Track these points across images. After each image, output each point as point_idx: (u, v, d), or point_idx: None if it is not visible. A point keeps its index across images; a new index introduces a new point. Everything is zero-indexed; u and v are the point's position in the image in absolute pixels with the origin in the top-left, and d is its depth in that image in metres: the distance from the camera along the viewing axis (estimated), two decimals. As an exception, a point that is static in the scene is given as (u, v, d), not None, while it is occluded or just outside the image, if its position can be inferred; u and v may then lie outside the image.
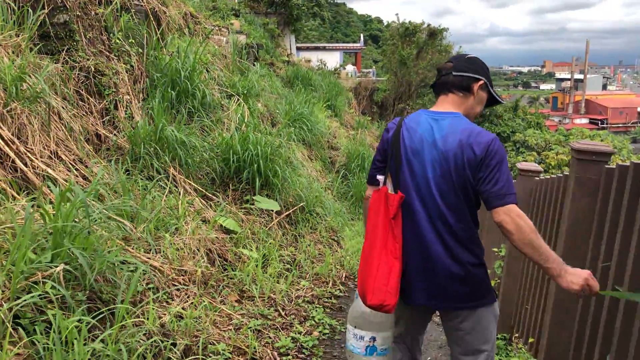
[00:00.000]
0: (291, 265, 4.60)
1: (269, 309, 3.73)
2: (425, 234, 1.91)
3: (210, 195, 4.56)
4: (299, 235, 5.24)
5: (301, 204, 5.36)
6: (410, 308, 2.08)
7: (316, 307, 4.10)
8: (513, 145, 19.84)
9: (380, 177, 2.03)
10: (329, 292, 4.53)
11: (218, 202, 4.53)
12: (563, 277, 1.76)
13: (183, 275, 3.32)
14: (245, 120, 5.70)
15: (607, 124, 50.36)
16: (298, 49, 22.15)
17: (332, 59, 23.50)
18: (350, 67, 26.34)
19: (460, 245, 1.91)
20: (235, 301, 3.63)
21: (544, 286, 3.01)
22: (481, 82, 1.99)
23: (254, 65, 8.62)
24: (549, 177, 3.30)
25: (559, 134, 20.36)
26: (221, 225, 4.19)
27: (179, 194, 4.13)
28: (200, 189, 4.49)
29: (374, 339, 2.09)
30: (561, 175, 3.06)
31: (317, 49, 26.38)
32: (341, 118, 12.19)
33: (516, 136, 20.16)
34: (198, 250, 3.65)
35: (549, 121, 30.92)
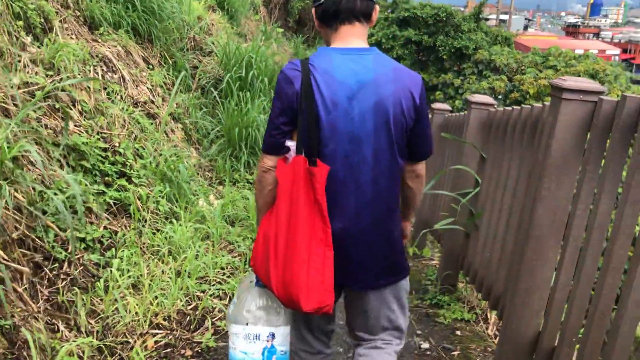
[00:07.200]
0: None
1: None
2: (351, 207, 1.54)
3: None
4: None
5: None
6: None
7: None
8: (474, 67, 14.53)
9: (290, 144, 1.53)
10: None
11: None
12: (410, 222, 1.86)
13: None
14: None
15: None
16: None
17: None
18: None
19: (389, 212, 1.60)
20: None
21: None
22: (377, 6, 1.59)
23: None
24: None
25: (533, 53, 14.92)
26: None
27: None
28: None
29: (272, 336, 1.66)
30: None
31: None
32: (238, 23, 9.71)
33: (479, 54, 14.62)
34: None
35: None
